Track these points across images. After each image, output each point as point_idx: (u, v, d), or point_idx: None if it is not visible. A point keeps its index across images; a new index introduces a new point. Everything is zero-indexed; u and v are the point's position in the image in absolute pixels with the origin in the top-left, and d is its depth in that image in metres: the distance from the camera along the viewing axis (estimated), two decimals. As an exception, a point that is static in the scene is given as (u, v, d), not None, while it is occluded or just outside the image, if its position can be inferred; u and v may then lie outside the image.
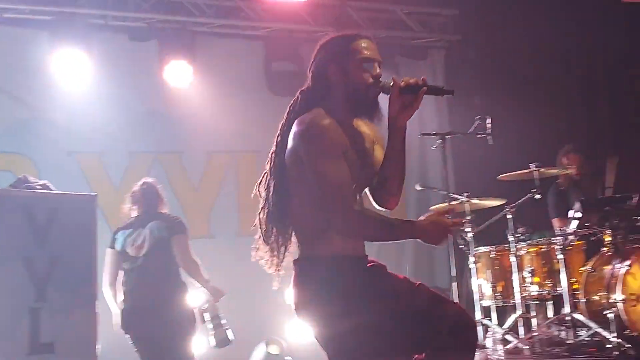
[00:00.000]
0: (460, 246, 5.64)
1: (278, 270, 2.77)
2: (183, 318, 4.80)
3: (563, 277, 5.18)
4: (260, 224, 2.76)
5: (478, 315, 5.48)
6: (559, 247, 5.23)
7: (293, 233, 2.74)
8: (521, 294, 5.35)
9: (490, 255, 5.65)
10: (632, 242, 5.19)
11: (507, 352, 5.18)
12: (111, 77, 6.41)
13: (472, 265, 5.63)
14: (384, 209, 2.78)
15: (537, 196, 5.37)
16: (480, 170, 6.36)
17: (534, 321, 5.45)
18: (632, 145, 6.55)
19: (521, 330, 5.40)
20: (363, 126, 2.73)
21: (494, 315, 5.64)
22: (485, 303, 5.64)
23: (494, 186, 5.75)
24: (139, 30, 6.65)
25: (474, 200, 5.66)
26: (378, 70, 2.67)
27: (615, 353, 4.78)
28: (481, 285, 5.65)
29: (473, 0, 6.95)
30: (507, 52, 6.95)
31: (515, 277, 5.38)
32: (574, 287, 5.32)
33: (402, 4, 7.22)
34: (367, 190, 2.78)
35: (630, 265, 4.92)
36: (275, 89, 6.94)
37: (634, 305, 4.89)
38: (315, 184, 2.54)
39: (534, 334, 5.25)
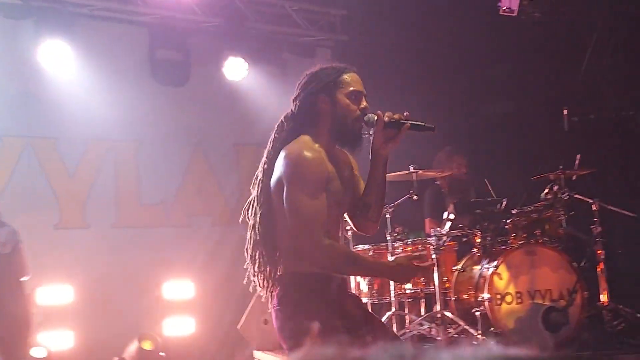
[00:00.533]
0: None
1: (266, 287, 2.86)
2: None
3: (435, 276, 5.39)
4: (248, 247, 2.88)
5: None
6: (433, 247, 5.43)
7: (278, 253, 2.83)
8: (396, 292, 5.51)
9: (369, 254, 5.78)
10: (500, 244, 5.48)
11: (380, 348, 5.30)
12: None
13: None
14: (364, 234, 2.97)
15: (415, 197, 5.55)
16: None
17: (407, 318, 5.63)
18: (503, 153, 6.87)
19: (395, 327, 5.57)
20: (342, 154, 2.87)
21: (369, 312, 5.77)
22: (362, 300, 5.75)
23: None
24: (15, 7, 6.29)
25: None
26: (364, 104, 2.80)
27: (481, 349, 5.03)
28: (359, 282, 5.77)
29: (362, 2, 7.07)
30: (390, 54, 7.11)
31: (391, 275, 5.52)
32: (446, 286, 5.54)
33: (291, 0, 7.24)
34: (346, 215, 2.88)
35: (497, 266, 5.17)
36: (159, 78, 6.78)
37: (499, 304, 5.15)
38: (288, 215, 2.66)
39: (406, 331, 5.42)
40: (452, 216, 5.48)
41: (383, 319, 5.50)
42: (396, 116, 2.76)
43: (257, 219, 2.82)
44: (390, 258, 5.52)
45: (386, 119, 2.75)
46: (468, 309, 5.32)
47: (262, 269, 2.85)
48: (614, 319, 5.29)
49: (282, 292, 2.77)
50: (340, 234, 2.88)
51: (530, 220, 5.54)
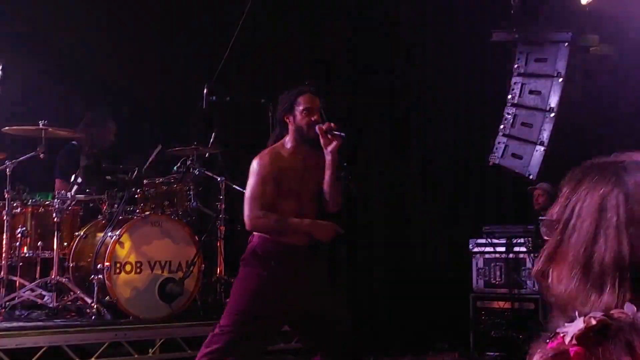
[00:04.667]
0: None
1: None
2: None
3: (55, 240, 5.14)
4: None
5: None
6: (56, 210, 5.16)
7: None
8: (8, 255, 5.13)
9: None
10: (127, 213, 5.44)
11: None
12: None
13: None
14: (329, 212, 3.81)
15: (41, 155, 5.20)
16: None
17: (17, 283, 5.27)
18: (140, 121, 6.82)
19: (2, 293, 5.17)
20: (313, 154, 3.74)
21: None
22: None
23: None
24: None
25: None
26: (315, 116, 3.70)
27: (93, 317, 4.94)
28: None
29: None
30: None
31: (4, 236, 5.13)
32: (65, 252, 5.33)
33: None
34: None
35: (120, 235, 5.12)
36: None
37: (118, 273, 5.11)
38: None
39: (16, 297, 5.07)
40: (80, 180, 5.29)
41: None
42: (324, 127, 3.65)
43: None
44: (5, 218, 5.14)
45: (324, 127, 3.64)
46: (86, 277, 5.20)
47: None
48: (226, 291, 5.60)
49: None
50: (305, 214, 3.73)
51: (160, 191, 5.61)
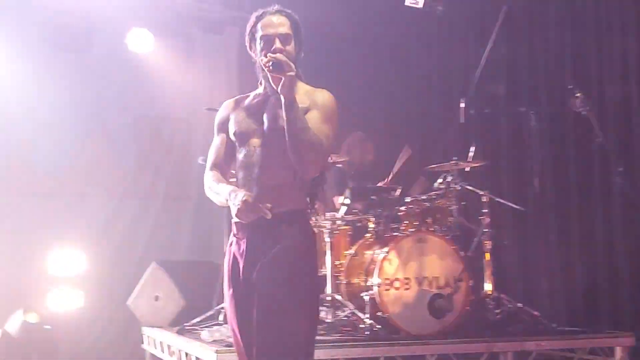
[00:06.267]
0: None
1: None
2: None
3: (328, 258, 5.43)
4: None
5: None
6: (327, 230, 5.47)
7: None
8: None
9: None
10: (393, 230, 5.57)
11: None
12: None
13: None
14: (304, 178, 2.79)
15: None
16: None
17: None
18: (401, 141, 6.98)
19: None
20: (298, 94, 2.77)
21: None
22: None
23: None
24: None
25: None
26: (277, 45, 2.78)
27: (367, 332, 5.12)
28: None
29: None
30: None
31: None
32: (338, 269, 5.60)
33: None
34: None
35: (387, 252, 5.26)
36: (59, 44, 6.54)
37: (388, 289, 5.25)
38: None
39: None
40: (347, 201, 5.54)
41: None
42: (266, 59, 2.74)
43: None
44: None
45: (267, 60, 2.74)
46: (357, 293, 5.39)
47: None
48: (497, 307, 5.48)
49: None
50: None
51: (422, 208, 5.66)
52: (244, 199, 2.66)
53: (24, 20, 6.45)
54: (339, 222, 5.53)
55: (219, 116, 3.01)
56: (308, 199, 2.88)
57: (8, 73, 6.29)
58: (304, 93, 2.87)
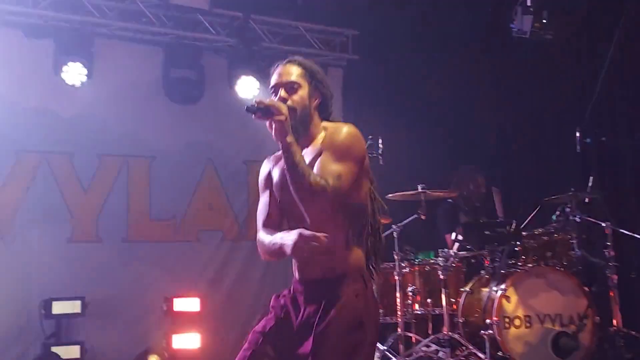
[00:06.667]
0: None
1: None
2: None
3: (443, 297, 5.32)
4: None
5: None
6: (441, 268, 5.37)
7: None
8: (403, 312, 5.44)
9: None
10: (509, 267, 5.39)
11: (386, 369, 5.25)
12: (2, 72, 6.20)
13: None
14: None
15: (422, 217, 5.49)
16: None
17: (413, 339, 5.55)
18: (514, 173, 6.81)
19: (401, 349, 5.49)
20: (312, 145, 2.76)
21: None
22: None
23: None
24: (35, 27, 6.41)
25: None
26: (280, 94, 2.74)
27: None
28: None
29: (373, 23, 7.09)
30: (401, 74, 7.12)
31: (397, 295, 5.47)
32: (454, 307, 5.46)
33: (303, 21, 7.28)
34: None
35: (505, 289, 5.09)
36: (173, 96, 6.84)
37: (508, 328, 5.06)
38: None
39: (413, 352, 5.34)
40: (460, 237, 5.42)
41: (389, 340, 5.46)
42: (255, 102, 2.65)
43: None
44: (396, 278, 5.49)
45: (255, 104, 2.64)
46: (476, 332, 5.24)
47: None
48: (627, 345, 5.16)
49: None
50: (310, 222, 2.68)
51: (540, 242, 5.47)
52: (299, 231, 2.56)
53: (143, 75, 6.80)
54: (452, 258, 5.41)
55: (261, 174, 2.93)
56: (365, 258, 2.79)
57: (129, 124, 6.68)
58: (328, 134, 2.75)
